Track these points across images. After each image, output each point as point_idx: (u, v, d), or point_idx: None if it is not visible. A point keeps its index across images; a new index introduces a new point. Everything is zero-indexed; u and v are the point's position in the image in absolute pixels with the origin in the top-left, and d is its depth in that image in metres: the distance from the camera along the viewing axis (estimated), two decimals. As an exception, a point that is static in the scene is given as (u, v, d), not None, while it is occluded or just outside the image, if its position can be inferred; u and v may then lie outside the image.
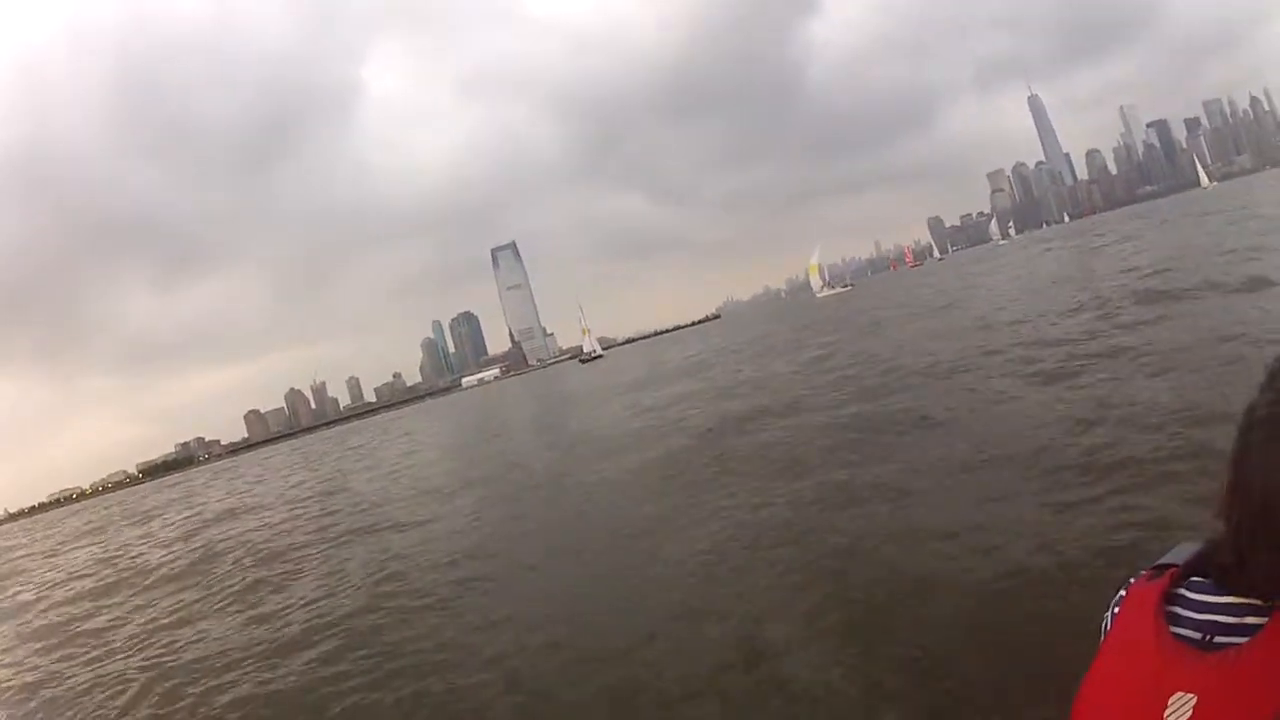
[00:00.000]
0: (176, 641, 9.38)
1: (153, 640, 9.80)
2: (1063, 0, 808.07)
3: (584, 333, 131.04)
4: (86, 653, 10.14)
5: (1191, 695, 0.93)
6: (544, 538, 9.99)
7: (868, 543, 6.67)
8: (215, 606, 10.76)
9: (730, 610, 6.03)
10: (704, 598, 6.42)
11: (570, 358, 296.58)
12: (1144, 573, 1.12)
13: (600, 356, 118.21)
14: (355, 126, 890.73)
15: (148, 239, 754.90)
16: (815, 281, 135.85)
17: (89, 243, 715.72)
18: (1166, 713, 0.94)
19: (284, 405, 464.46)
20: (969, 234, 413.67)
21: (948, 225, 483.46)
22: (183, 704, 7.17)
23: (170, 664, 8.51)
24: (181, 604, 11.47)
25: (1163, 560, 1.11)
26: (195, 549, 16.96)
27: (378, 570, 10.11)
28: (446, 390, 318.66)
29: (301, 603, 9.58)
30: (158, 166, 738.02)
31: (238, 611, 10.14)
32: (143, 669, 8.62)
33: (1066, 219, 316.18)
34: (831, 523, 7.41)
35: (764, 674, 4.98)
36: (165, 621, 10.65)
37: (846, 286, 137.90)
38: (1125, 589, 1.12)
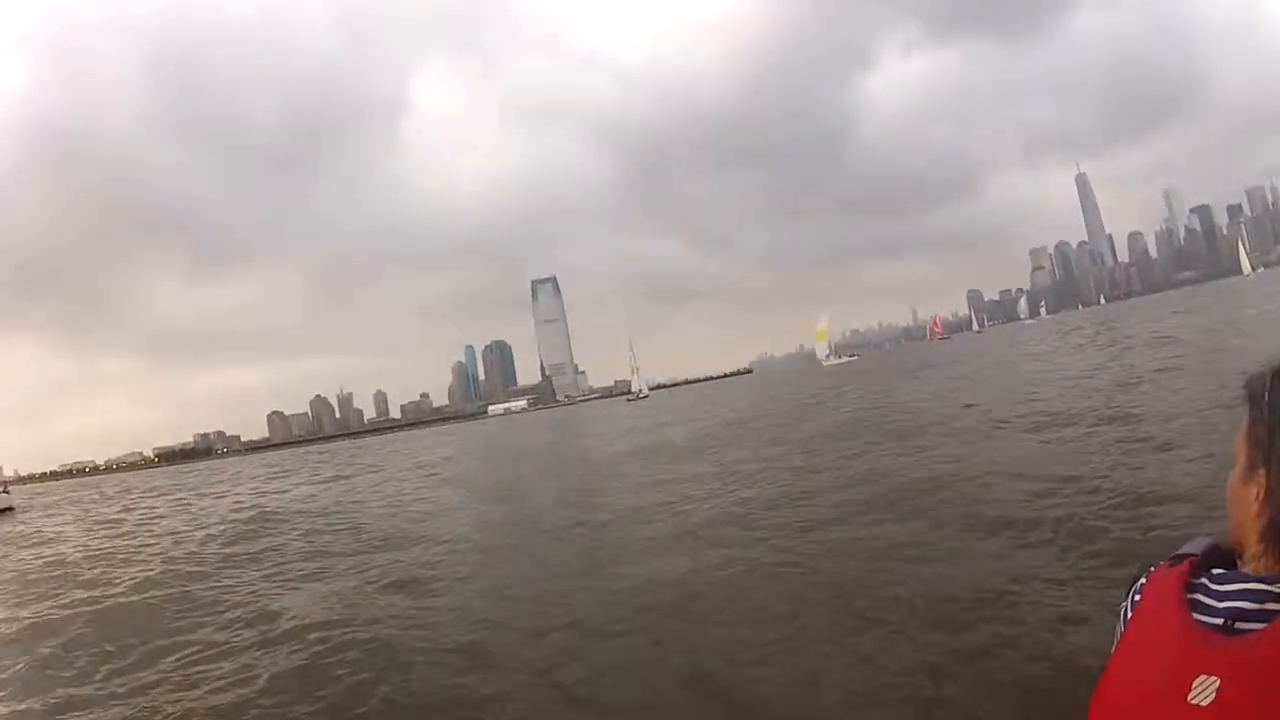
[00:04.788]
0: None
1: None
2: (1113, 78, 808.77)
3: (633, 371, 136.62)
4: None
5: (1214, 678, 0.95)
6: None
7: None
8: None
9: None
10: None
11: (599, 397, 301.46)
12: (1163, 563, 1.16)
13: (646, 396, 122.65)
14: (399, 144, 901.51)
15: (180, 229, 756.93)
16: (821, 349, 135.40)
17: (120, 225, 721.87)
18: (1190, 696, 0.96)
19: (308, 410, 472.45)
20: (1005, 309, 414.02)
21: (986, 299, 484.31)
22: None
23: None
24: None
25: (1181, 551, 1.16)
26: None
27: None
28: (473, 416, 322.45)
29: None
30: (194, 158, 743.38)
31: None
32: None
33: (1103, 301, 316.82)
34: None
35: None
36: None
37: (852, 357, 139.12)
38: (1145, 578, 1.17)
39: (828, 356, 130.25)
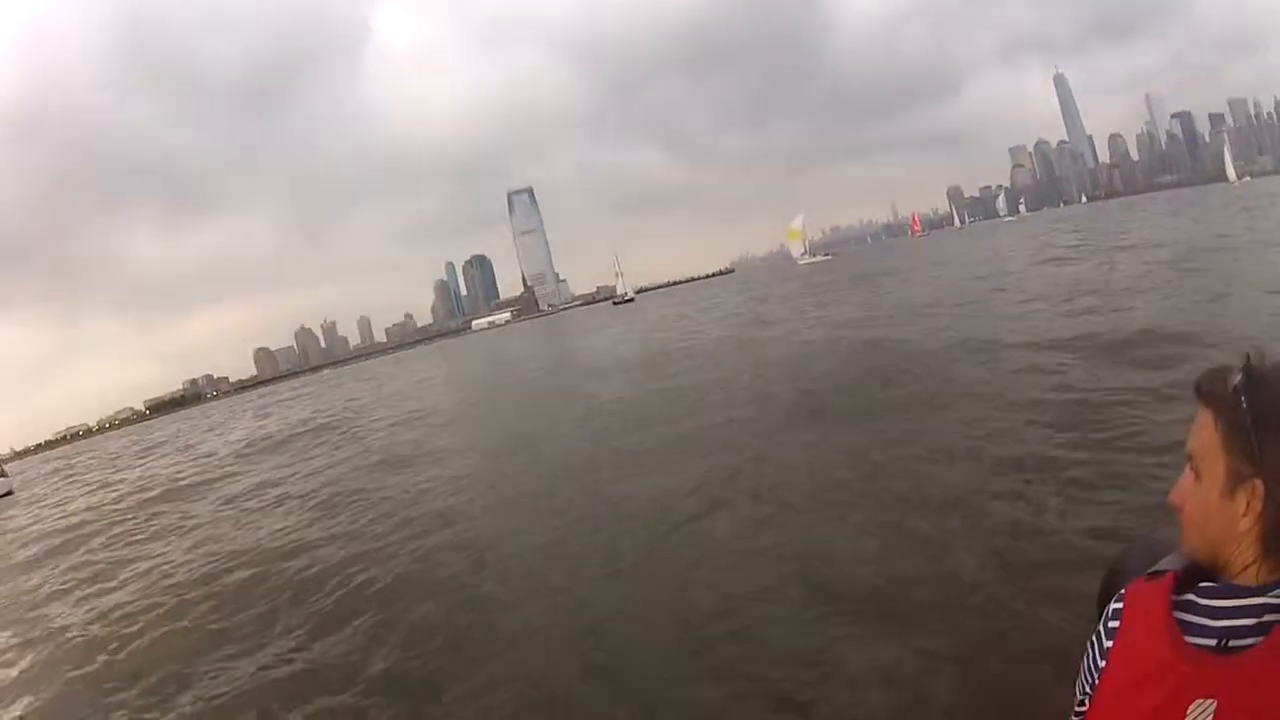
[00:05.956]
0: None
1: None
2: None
3: (617, 275, 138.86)
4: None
5: (1211, 700, 0.92)
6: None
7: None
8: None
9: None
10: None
11: (583, 304, 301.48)
12: (1136, 580, 1.11)
13: (631, 300, 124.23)
14: (364, 69, 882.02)
15: (151, 179, 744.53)
16: (796, 248, 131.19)
17: (90, 186, 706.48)
18: None
19: (294, 344, 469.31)
20: (986, 206, 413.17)
21: (966, 196, 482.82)
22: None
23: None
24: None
25: (1157, 567, 1.11)
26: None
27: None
28: (457, 332, 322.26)
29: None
30: (159, 107, 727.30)
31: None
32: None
33: (1084, 200, 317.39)
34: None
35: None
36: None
37: (826, 256, 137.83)
38: (1120, 600, 1.11)
39: (802, 255, 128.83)
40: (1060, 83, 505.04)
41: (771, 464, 7.52)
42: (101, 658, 6.62)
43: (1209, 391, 1.03)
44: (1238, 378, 0.99)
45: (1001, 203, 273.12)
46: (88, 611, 8.43)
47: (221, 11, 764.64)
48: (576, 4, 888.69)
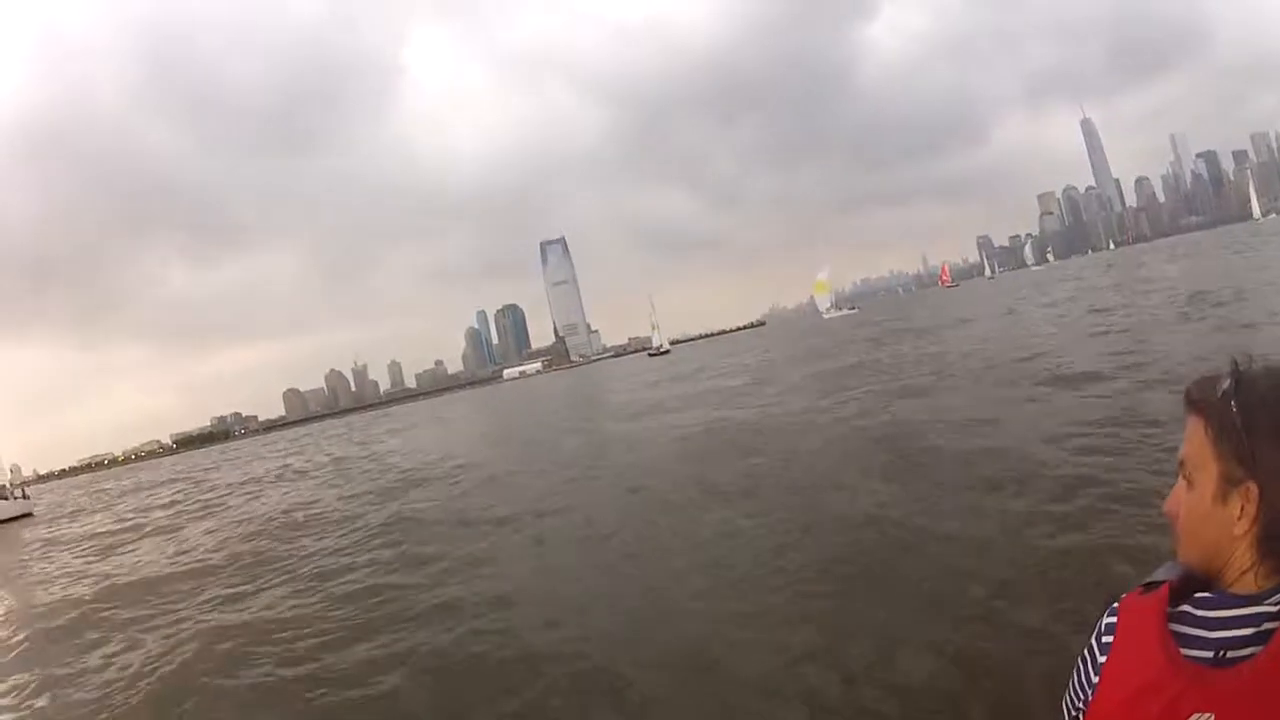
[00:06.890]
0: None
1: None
2: (1114, 18, 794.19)
3: (653, 327, 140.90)
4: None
5: (1209, 715, 0.91)
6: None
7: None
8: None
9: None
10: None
11: (613, 356, 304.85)
12: (1130, 592, 1.10)
13: (667, 352, 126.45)
14: (397, 108, 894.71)
15: (181, 211, 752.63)
16: (822, 301, 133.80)
17: (120, 212, 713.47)
18: None
19: (323, 385, 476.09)
20: (1016, 255, 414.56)
21: (996, 245, 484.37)
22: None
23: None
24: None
25: (1152, 578, 1.09)
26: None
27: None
28: (488, 381, 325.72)
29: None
30: (190, 138, 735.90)
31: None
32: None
33: (1112, 246, 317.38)
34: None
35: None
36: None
37: (853, 309, 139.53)
38: (1115, 614, 1.10)
39: (829, 309, 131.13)
40: (1087, 127, 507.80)
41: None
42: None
43: (1199, 398, 1.04)
44: (1227, 383, 1.01)
45: (1029, 252, 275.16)
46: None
47: (256, 42, 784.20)
48: (608, 46, 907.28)
